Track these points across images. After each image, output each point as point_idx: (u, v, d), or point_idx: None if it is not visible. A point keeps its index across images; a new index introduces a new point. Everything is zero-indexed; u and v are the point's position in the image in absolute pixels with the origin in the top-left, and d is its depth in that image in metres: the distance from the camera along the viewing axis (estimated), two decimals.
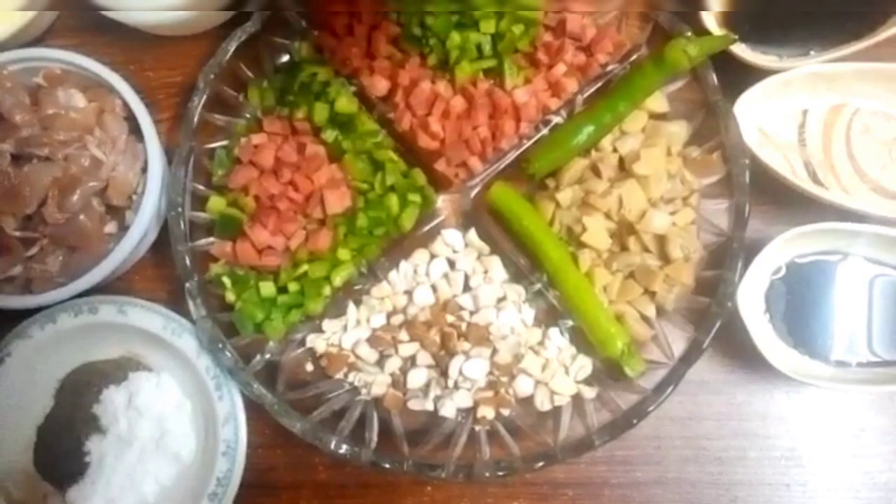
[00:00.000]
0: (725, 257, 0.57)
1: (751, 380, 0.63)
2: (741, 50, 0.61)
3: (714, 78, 0.59)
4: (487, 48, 0.62)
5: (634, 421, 0.55)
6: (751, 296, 0.60)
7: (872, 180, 0.63)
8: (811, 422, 0.63)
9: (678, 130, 0.61)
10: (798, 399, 0.63)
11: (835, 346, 0.61)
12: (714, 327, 0.56)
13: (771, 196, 0.63)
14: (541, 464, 0.56)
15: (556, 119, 0.62)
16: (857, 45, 0.61)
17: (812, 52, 0.62)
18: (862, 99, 0.64)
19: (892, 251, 0.60)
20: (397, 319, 0.60)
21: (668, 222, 0.58)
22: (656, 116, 0.62)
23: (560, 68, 0.61)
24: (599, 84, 0.62)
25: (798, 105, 0.64)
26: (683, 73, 0.60)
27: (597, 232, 0.59)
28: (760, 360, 0.58)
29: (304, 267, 0.59)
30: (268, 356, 0.59)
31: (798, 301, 0.61)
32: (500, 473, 0.55)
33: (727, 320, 0.57)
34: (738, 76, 0.61)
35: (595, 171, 0.61)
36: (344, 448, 0.56)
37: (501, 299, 0.61)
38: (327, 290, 0.59)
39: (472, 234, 0.61)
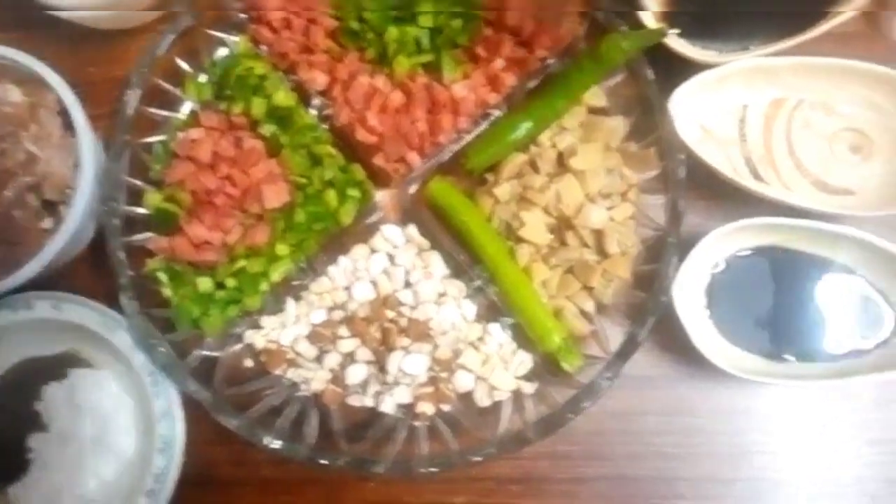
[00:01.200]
0: (661, 252, 0.57)
1: (696, 375, 0.63)
2: (681, 45, 0.61)
3: (649, 73, 0.59)
4: (426, 42, 0.61)
5: (569, 416, 0.55)
6: (691, 291, 0.60)
7: (813, 175, 0.63)
8: (757, 417, 0.63)
9: (617, 126, 0.61)
10: (744, 394, 0.63)
11: (774, 341, 0.61)
12: (649, 322, 0.56)
13: (712, 191, 0.63)
14: (477, 458, 0.56)
15: (496, 114, 0.62)
16: (797, 39, 0.61)
17: (751, 47, 0.62)
18: (803, 93, 0.64)
19: (832, 246, 0.61)
20: (337, 315, 0.60)
21: (605, 217, 0.58)
22: (595, 111, 0.62)
23: (498, 63, 0.61)
24: (539, 79, 0.62)
25: (739, 100, 0.64)
26: (622, 68, 0.60)
27: (535, 227, 0.59)
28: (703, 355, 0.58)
29: (242, 262, 0.59)
30: (205, 352, 0.59)
31: (738, 296, 0.61)
32: (434, 469, 0.55)
33: (672, 315, 0.57)
34: (680, 72, 0.61)
35: (533, 166, 0.61)
36: (279, 444, 0.56)
37: (442, 295, 0.60)
38: (265, 286, 0.59)
39: (412, 229, 0.61)
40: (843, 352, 0.60)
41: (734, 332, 0.61)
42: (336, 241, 0.61)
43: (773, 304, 0.61)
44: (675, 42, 0.61)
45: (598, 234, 0.59)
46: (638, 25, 0.61)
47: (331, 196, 0.59)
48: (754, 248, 0.61)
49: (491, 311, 0.60)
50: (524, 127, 0.60)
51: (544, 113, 0.61)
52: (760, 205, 0.61)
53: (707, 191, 0.63)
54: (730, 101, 0.64)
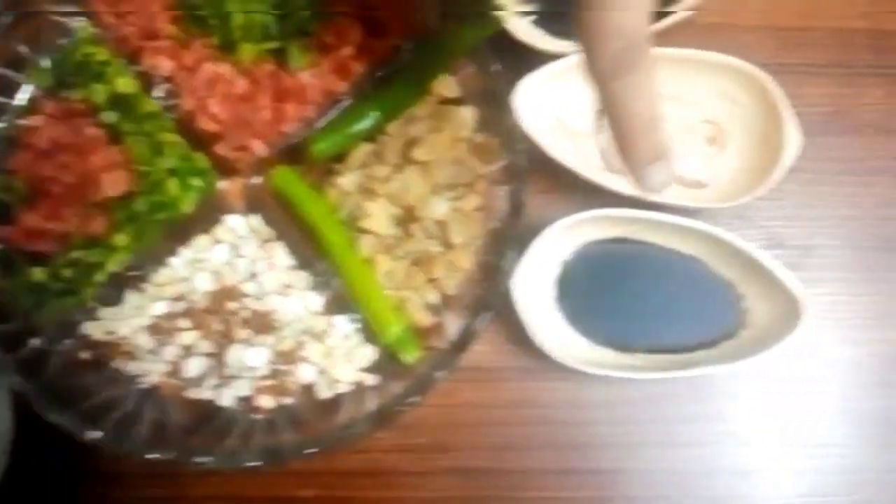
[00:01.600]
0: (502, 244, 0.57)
1: (546, 367, 0.61)
2: (529, 35, 0.61)
3: (494, 63, 0.58)
4: (273, 29, 0.60)
5: (398, 409, 0.54)
6: (540, 282, 0.60)
7: None
8: (606, 409, 0.62)
9: (466, 115, 0.61)
10: (593, 386, 0.62)
11: (624, 333, 0.60)
12: (483, 315, 0.55)
13: (565, 183, 0.62)
14: (310, 451, 0.54)
15: (346, 102, 0.61)
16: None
17: None
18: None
19: (680, 238, 0.60)
20: (178, 307, 0.59)
21: (448, 208, 0.58)
22: (446, 101, 0.61)
23: (347, 50, 0.60)
24: (391, 67, 0.61)
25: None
26: (471, 57, 0.59)
27: (378, 218, 0.58)
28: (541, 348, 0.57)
29: (78, 252, 0.57)
30: (39, 344, 0.58)
31: (588, 288, 0.61)
32: (262, 462, 0.54)
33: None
34: (534, 62, 0.61)
35: (379, 156, 0.60)
36: (104, 437, 0.55)
37: (287, 286, 0.59)
38: (102, 277, 0.58)
39: (257, 219, 0.60)
40: (692, 344, 0.60)
41: (584, 324, 0.60)
42: (178, 231, 0.60)
43: (623, 295, 0.61)
44: (523, 32, 0.60)
45: (443, 226, 0.58)
46: (486, 14, 0.60)
47: (172, 185, 0.58)
48: (605, 240, 0.61)
49: (337, 304, 0.59)
50: (371, 116, 0.60)
51: (392, 102, 0.60)
52: (614, 196, 0.60)
53: (560, 182, 0.62)
54: (586, 93, 0.63)
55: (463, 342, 0.55)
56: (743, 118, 0.62)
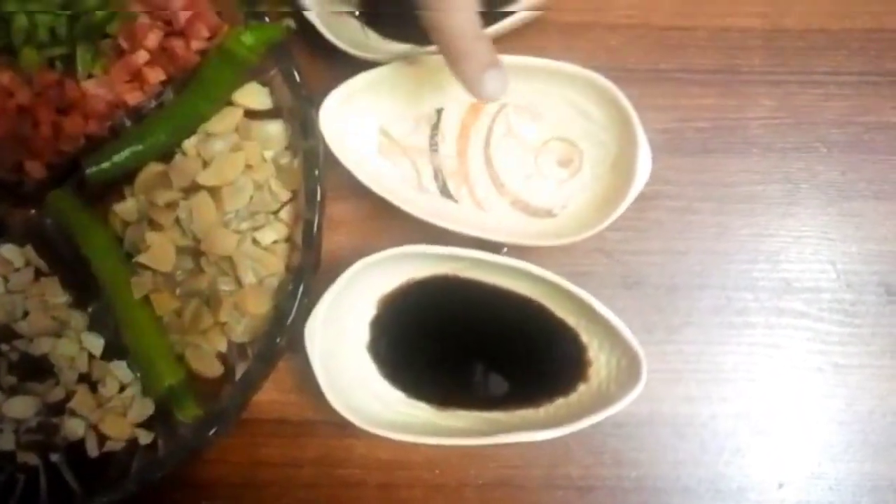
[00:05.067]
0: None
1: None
2: (340, 40, 0.52)
3: (296, 74, 0.50)
4: (63, 32, 0.53)
5: (157, 474, 0.47)
6: (350, 326, 0.52)
7: (512, 193, 0.54)
8: (418, 471, 0.53)
9: (274, 132, 0.53)
10: (405, 446, 0.53)
11: (445, 385, 0.52)
12: (263, 365, 0.47)
13: (392, 209, 0.54)
14: None
15: (144, 113, 0.53)
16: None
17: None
18: (506, 97, 0.54)
19: (514, 279, 0.51)
20: None
21: (234, 242, 0.50)
22: (256, 115, 0.53)
23: (141, 55, 0.53)
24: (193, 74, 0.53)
25: (432, 104, 0.55)
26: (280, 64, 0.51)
27: (159, 251, 0.51)
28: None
29: None
30: None
31: (407, 333, 0.52)
32: None
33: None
34: (359, 70, 0.52)
35: (167, 179, 0.52)
36: None
37: (63, 325, 0.52)
38: None
39: (30, 250, 0.53)
40: (522, 398, 0.51)
41: (399, 375, 0.52)
42: None
43: (446, 343, 0.52)
44: (333, 35, 0.52)
45: (231, 262, 0.50)
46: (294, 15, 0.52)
47: None
48: (428, 278, 0.52)
49: (116, 348, 0.52)
50: (163, 131, 0.52)
51: (185, 115, 0.52)
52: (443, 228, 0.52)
53: (384, 209, 0.53)
54: (422, 105, 0.55)
55: (238, 399, 0.47)
56: (596, 136, 0.52)
